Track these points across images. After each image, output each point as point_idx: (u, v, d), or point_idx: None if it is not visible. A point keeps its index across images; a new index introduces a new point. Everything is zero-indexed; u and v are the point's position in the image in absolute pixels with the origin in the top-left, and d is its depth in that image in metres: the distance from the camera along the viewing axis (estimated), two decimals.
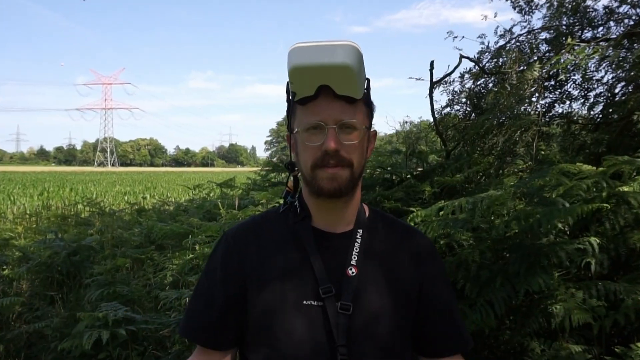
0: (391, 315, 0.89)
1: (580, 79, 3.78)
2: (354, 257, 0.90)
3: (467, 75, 4.37)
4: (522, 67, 3.70)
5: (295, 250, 0.91)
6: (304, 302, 0.86)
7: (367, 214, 0.98)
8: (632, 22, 3.54)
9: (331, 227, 0.93)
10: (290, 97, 0.88)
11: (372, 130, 0.96)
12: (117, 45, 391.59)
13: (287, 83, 0.88)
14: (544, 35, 4.09)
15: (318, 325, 0.86)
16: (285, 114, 0.94)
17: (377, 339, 0.88)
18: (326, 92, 0.84)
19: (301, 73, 0.83)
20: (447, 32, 4.13)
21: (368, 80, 0.91)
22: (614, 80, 3.69)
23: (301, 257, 0.90)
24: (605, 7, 3.76)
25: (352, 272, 0.89)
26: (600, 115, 3.71)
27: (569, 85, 3.90)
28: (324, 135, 0.85)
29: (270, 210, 1.02)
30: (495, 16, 4.34)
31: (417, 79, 4.15)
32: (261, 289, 0.89)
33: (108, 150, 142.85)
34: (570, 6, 3.78)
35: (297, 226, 0.93)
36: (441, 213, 2.27)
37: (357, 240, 0.92)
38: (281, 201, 1.01)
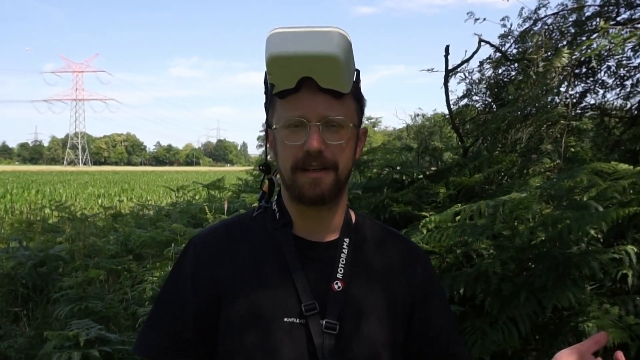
0: (383, 334, 0.90)
1: (615, 66, 3.78)
2: (340, 270, 0.90)
3: (487, 62, 4.38)
4: (549, 53, 3.70)
5: (275, 261, 0.90)
6: (285, 319, 0.86)
7: (354, 221, 0.98)
8: None
9: (315, 236, 0.93)
10: (269, 89, 0.88)
11: (362, 128, 0.96)
12: (89, 28, 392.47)
13: (265, 72, 0.87)
14: (574, 17, 4.09)
15: (301, 346, 0.85)
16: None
17: None
18: (309, 85, 0.84)
19: (280, 63, 0.82)
20: (467, 13, 4.14)
21: (357, 71, 0.91)
22: None
23: (281, 268, 0.89)
24: None
25: (339, 287, 0.88)
26: (638, 107, 3.71)
27: (602, 73, 3.90)
28: (306, 134, 0.84)
29: (243, 215, 1.01)
30: None
31: (429, 70, 4.15)
32: (237, 304, 0.88)
33: (79, 146, 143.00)
34: None
35: (276, 233, 0.93)
36: (457, 218, 2.27)
37: (344, 250, 0.92)
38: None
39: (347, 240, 0.93)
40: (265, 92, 0.90)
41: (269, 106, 0.91)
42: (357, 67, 0.91)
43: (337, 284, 0.89)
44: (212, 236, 0.96)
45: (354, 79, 0.89)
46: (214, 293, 0.90)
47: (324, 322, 0.86)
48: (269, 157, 0.96)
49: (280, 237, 0.92)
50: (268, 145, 0.96)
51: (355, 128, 0.90)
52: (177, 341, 0.90)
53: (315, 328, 0.85)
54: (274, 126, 0.89)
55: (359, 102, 0.92)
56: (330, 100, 0.85)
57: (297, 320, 0.86)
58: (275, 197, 0.99)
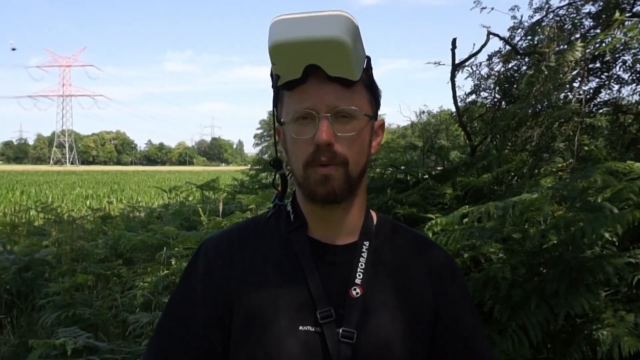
0: (404, 344, 0.89)
1: (631, 61, 3.78)
2: (359, 275, 0.90)
3: (496, 56, 4.38)
4: (561, 47, 3.70)
5: (289, 266, 0.90)
6: (300, 327, 0.86)
7: (374, 222, 0.98)
8: None
9: (331, 238, 0.93)
10: (274, 82, 0.87)
11: (378, 120, 0.95)
12: (77, 20, 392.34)
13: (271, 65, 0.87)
14: (587, 8, 4.10)
15: (316, 356, 0.85)
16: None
17: None
18: (316, 74, 0.83)
19: (283, 51, 0.82)
20: (474, 2, 4.13)
21: (368, 58, 0.90)
22: None
23: (296, 273, 0.89)
24: None
25: (357, 293, 0.88)
26: None
27: (617, 67, 3.90)
28: (315, 126, 0.84)
29: (258, 216, 1.01)
30: None
31: (436, 64, 4.15)
32: (249, 312, 0.88)
33: (66, 145, 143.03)
34: None
35: (290, 236, 0.93)
36: (465, 220, 2.27)
37: (363, 254, 0.91)
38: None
39: (366, 243, 0.93)
40: (273, 86, 0.89)
41: (277, 101, 0.91)
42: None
43: (355, 289, 0.88)
44: (224, 240, 0.96)
45: (364, 66, 0.88)
46: (226, 300, 0.90)
47: (340, 331, 0.85)
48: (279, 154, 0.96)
49: (295, 240, 0.92)
50: (279, 143, 0.95)
51: (369, 119, 0.89)
52: (187, 351, 0.90)
53: (331, 337, 0.85)
54: (283, 120, 0.89)
55: (372, 91, 0.91)
56: (340, 89, 0.84)
57: (313, 329, 0.86)
58: (290, 197, 0.98)
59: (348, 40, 0.80)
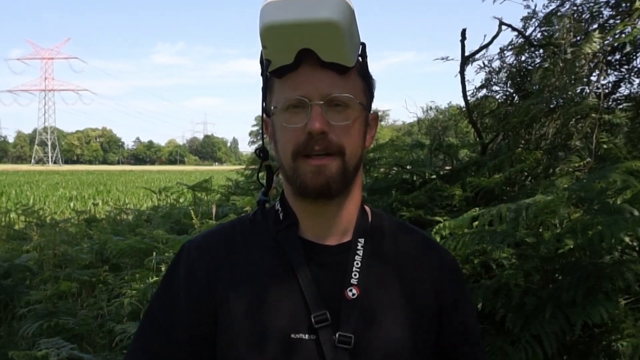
0: (405, 347, 0.89)
1: None
2: (355, 275, 0.90)
3: (508, 48, 4.38)
4: (578, 38, 3.70)
5: (279, 269, 0.90)
6: (293, 335, 0.86)
7: (370, 219, 0.98)
8: None
9: (324, 238, 0.93)
10: (264, 67, 0.88)
11: (372, 112, 0.96)
12: (60, 9, 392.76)
13: (261, 51, 0.87)
14: None
15: None
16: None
17: None
18: (309, 60, 0.84)
19: (275, 34, 0.83)
20: None
21: (363, 45, 0.91)
22: None
23: (287, 276, 0.89)
24: None
25: (353, 294, 0.88)
26: None
27: (637, 60, 3.90)
28: (307, 115, 0.84)
29: (244, 216, 1.01)
30: None
31: (444, 59, 4.16)
32: (237, 319, 0.88)
33: (49, 143, 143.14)
34: None
35: (280, 236, 0.92)
36: (475, 224, 2.27)
37: (358, 253, 0.92)
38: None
39: (361, 241, 0.93)
40: (262, 74, 0.89)
41: (266, 90, 0.91)
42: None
43: (351, 290, 0.88)
44: (209, 242, 0.95)
45: (359, 53, 0.89)
46: (211, 307, 0.89)
47: (336, 336, 0.85)
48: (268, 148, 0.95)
49: (285, 241, 0.92)
50: (266, 135, 0.96)
51: (364, 109, 0.90)
52: None
53: (326, 343, 0.85)
54: (272, 110, 0.89)
55: (367, 81, 0.92)
56: (334, 76, 0.85)
57: (307, 336, 0.86)
58: (279, 195, 0.98)
59: (344, 23, 0.81)
